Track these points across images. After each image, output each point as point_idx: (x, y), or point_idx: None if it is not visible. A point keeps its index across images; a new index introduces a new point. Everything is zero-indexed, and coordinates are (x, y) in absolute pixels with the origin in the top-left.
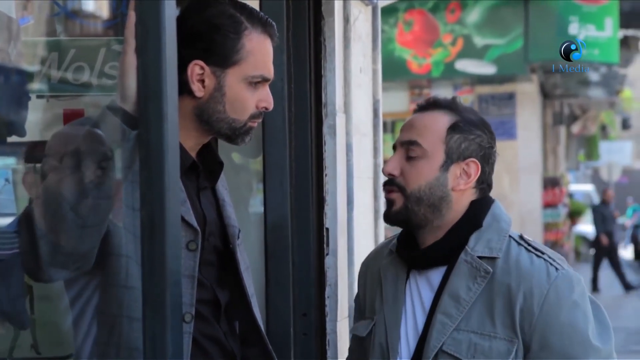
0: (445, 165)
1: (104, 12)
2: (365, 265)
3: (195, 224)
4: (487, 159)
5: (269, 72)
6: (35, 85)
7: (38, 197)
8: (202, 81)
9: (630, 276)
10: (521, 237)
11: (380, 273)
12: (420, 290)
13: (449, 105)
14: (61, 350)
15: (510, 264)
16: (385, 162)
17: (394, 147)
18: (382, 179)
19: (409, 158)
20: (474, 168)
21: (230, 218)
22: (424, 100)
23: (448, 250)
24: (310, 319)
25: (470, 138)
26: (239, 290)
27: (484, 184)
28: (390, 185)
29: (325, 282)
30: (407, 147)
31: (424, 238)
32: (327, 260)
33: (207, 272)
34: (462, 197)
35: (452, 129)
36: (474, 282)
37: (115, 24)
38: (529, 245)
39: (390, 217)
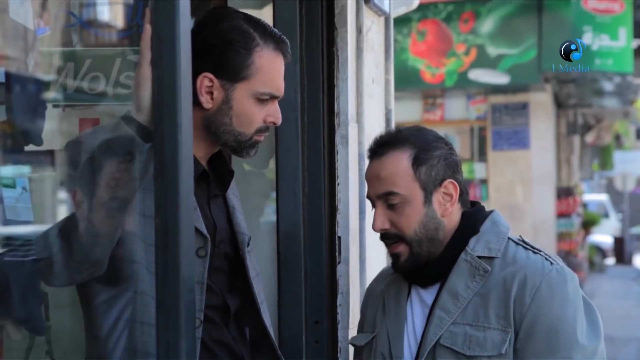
0: (427, 199)
1: (119, 22)
2: (370, 287)
3: (204, 231)
4: (456, 170)
5: (278, 89)
6: (52, 95)
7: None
8: (211, 93)
9: None
10: (520, 238)
11: (383, 291)
12: (420, 305)
13: (399, 140)
14: (76, 357)
15: (508, 260)
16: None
17: (371, 200)
18: None
19: (391, 206)
20: (452, 187)
21: (240, 225)
22: (374, 144)
23: (448, 262)
24: (322, 327)
25: (434, 163)
26: (249, 297)
27: (463, 193)
28: (388, 239)
29: (337, 290)
30: (384, 199)
31: None
32: (339, 269)
33: (217, 278)
34: (452, 216)
35: (416, 163)
36: (473, 280)
37: (131, 34)
38: (527, 244)
39: (401, 269)
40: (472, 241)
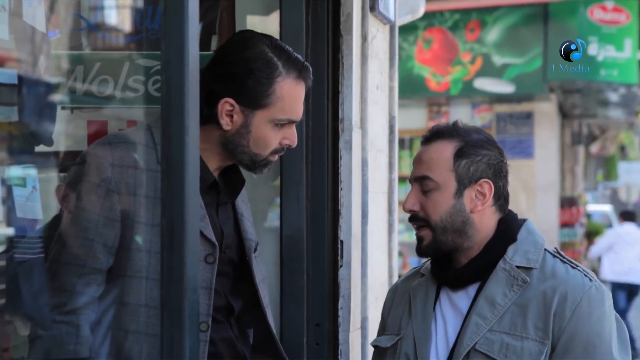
0: (459, 192)
1: (128, 26)
2: (395, 287)
3: (213, 238)
4: (498, 174)
5: (297, 115)
6: (61, 97)
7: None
8: (231, 116)
9: None
10: (557, 250)
11: (409, 293)
12: (452, 309)
13: (451, 132)
14: (79, 353)
15: (546, 273)
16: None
17: (410, 182)
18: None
19: (424, 192)
20: (487, 188)
21: (248, 232)
22: (428, 131)
23: (484, 267)
24: (323, 329)
25: (477, 160)
26: (253, 300)
27: (501, 199)
28: (415, 220)
29: (338, 294)
30: (420, 182)
31: (457, 259)
32: (341, 272)
33: (221, 282)
34: (483, 217)
35: (458, 155)
36: (511, 289)
37: (139, 38)
38: (564, 257)
39: (422, 252)
40: (511, 250)
